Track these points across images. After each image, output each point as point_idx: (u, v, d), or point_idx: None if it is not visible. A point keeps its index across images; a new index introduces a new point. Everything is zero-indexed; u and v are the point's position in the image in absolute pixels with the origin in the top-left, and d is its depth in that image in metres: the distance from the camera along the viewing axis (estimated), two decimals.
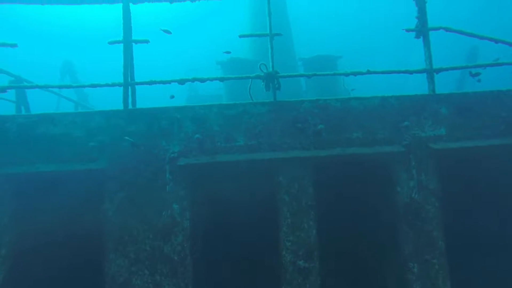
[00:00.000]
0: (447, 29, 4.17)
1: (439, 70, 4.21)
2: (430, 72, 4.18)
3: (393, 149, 4.00)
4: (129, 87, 4.19)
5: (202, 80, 4.18)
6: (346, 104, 4.09)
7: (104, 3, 4.05)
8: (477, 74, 4.31)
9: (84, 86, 4.23)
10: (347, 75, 4.23)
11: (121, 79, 4.16)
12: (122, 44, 4.19)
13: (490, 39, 4.34)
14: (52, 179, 3.90)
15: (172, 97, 4.67)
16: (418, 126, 4.10)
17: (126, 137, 3.84)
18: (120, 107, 4.16)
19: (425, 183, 3.97)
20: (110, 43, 4.15)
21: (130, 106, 4.30)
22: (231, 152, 4.01)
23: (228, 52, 7.24)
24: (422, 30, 4.19)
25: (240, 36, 4.22)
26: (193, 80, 4.15)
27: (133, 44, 4.32)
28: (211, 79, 4.16)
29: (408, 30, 4.27)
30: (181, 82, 4.12)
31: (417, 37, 4.27)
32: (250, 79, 4.19)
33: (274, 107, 4.08)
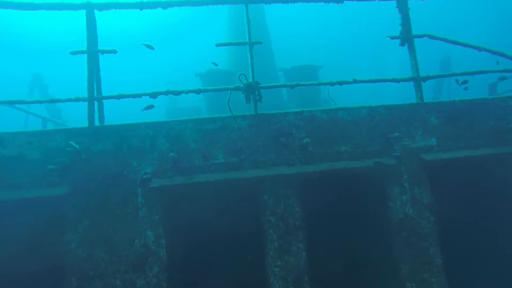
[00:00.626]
0: (431, 37, 4.03)
1: (426, 78, 4.05)
2: (417, 80, 4.01)
3: (384, 161, 3.76)
4: (95, 102, 3.77)
5: (177, 93, 3.82)
6: (333, 115, 3.84)
7: (64, 9, 3.65)
8: (465, 81, 4.19)
9: (42, 102, 3.78)
10: (332, 84, 3.99)
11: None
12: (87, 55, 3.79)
13: (474, 47, 4.24)
14: (2, 208, 3.40)
15: (151, 107, 4.22)
16: (408, 137, 3.89)
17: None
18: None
19: (419, 196, 3.74)
20: (72, 53, 3.74)
21: (97, 123, 3.89)
22: (210, 170, 3.65)
23: (215, 64, 6.92)
24: (406, 37, 4.03)
25: (217, 45, 3.92)
26: (167, 93, 3.79)
27: (100, 55, 3.93)
28: (186, 92, 3.81)
29: (392, 38, 4.11)
30: (153, 95, 3.75)
31: (402, 44, 4.11)
32: (229, 91, 3.87)
33: (256, 121, 3.77)
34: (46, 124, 8.67)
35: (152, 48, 4.40)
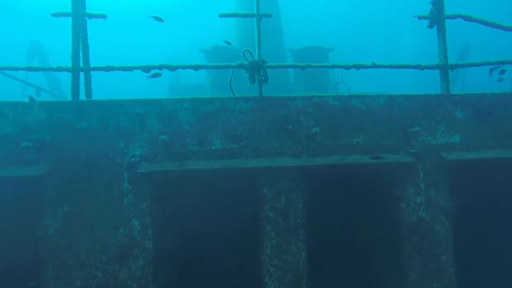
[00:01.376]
0: (466, 18, 3.53)
1: (454, 66, 3.58)
2: (445, 69, 3.54)
3: (400, 158, 3.36)
4: (80, 73, 3.36)
5: (173, 68, 3.39)
6: (347, 103, 3.41)
7: None
8: (503, 71, 3.70)
9: (22, 69, 3.36)
10: (348, 68, 3.54)
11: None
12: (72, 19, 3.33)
13: None
14: None
15: (158, 75, 3.58)
16: (429, 132, 3.47)
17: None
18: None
19: (435, 199, 3.37)
20: (55, 15, 3.28)
21: (84, 98, 3.49)
22: (205, 157, 3.27)
23: (228, 43, 6.24)
24: (437, 17, 3.53)
25: (220, 15, 3.45)
26: (161, 67, 3.36)
27: (89, 20, 3.48)
28: (183, 67, 3.38)
29: (420, 18, 3.60)
30: (146, 69, 3.33)
31: (431, 26, 3.61)
32: (232, 69, 3.43)
33: (260, 104, 3.35)
34: (40, 94, 8.27)
35: (162, 21, 3.91)
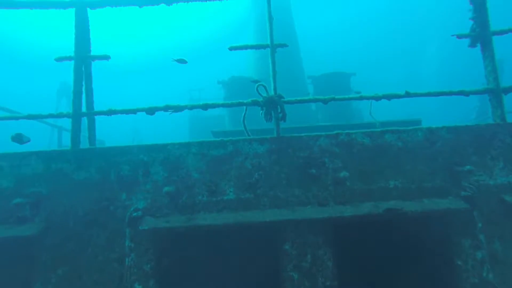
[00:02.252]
0: None
1: (508, 90, 3.02)
2: (497, 93, 2.99)
3: (448, 204, 2.77)
4: (81, 119, 3.11)
5: (178, 109, 3.07)
6: (379, 139, 2.91)
7: (54, 8, 3.04)
8: None
9: (18, 118, 3.16)
10: (378, 98, 3.07)
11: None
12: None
13: None
14: None
15: (183, 61, 3.31)
16: (484, 170, 2.87)
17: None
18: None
19: (502, 255, 2.70)
20: (57, 60, 3.10)
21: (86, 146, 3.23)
22: (216, 209, 2.83)
23: (256, 81, 6.06)
24: (481, 35, 3.03)
25: (230, 48, 3.14)
26: (166, 109, 3.05)
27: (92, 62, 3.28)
28: (190, 107, 3.05)
29: (460, 36, 3.12)
30: (150, 111, 3.03)
31: (473, 45, 3.11)
32: (245, 106, 3.06)
33: (277, 146, 2.92)
34: (62, 134, 8.33)
35: (185, 62, 3.72)
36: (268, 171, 2.87)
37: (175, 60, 3.70)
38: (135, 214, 2.82)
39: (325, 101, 3.05)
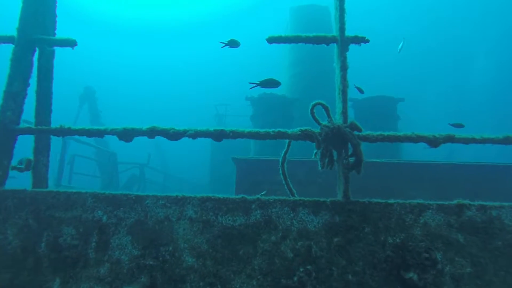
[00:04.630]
0: None
1: None
2: None
3: None
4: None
5: (178, 135, 1.80)
6: (489, 214, 1.49)
7: None
8: None
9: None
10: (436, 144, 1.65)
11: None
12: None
13: None
14: None
15: (233, 44, 3.39)
16: None
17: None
18: None
19: None
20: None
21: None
22: None
23: (361, 91, 5.91)
24: None
25: (269, 41, 1.86)
26: (171, 131, 1.79)
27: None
28: (201, 134, 1.77)
29: None
30: (150, 135, 1.78)
31: None
32: (288, 141, 1.75)
33: (345, 218, 1.56)
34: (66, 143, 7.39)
35: (238, 45, 3.33)
36: (324, 267, 1.50)
37: (226, 43, 3.31)
38: None
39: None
